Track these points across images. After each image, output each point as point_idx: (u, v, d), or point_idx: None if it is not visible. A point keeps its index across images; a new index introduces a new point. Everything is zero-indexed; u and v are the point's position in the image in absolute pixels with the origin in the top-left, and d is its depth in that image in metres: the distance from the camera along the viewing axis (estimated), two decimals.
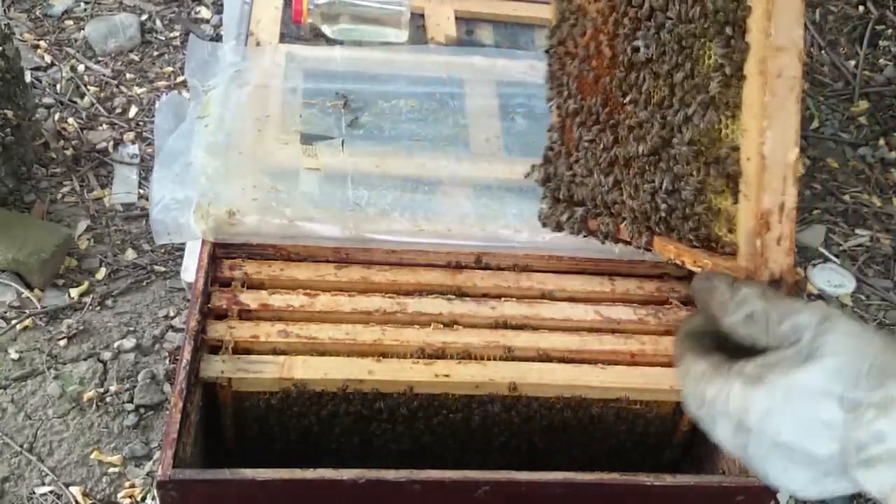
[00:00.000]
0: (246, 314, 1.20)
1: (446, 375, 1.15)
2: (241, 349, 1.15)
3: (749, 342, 0.65)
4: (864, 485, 0.61)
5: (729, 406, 0.64)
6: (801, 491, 0.66)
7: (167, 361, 1.97)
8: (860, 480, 0.61)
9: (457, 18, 1.78)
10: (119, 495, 1.75)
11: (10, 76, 2.18)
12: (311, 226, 1.29)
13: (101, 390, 1.89)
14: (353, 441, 1.20)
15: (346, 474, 0.99)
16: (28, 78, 2.46)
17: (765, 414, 0.62)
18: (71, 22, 2.82)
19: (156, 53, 2.75)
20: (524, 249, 1.32)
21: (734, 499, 1.08)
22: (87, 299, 2.06)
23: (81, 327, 1.99)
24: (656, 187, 0.81)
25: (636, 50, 0.82)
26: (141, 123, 2.51)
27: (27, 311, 2.01)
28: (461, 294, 1.27)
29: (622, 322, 1.24)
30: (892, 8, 3.17)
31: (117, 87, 2.62)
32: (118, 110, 2.55)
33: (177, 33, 2.81)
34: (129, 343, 1.98)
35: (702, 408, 0.67)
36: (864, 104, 2.92)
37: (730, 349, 0.67)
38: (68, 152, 2.39)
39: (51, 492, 1.74)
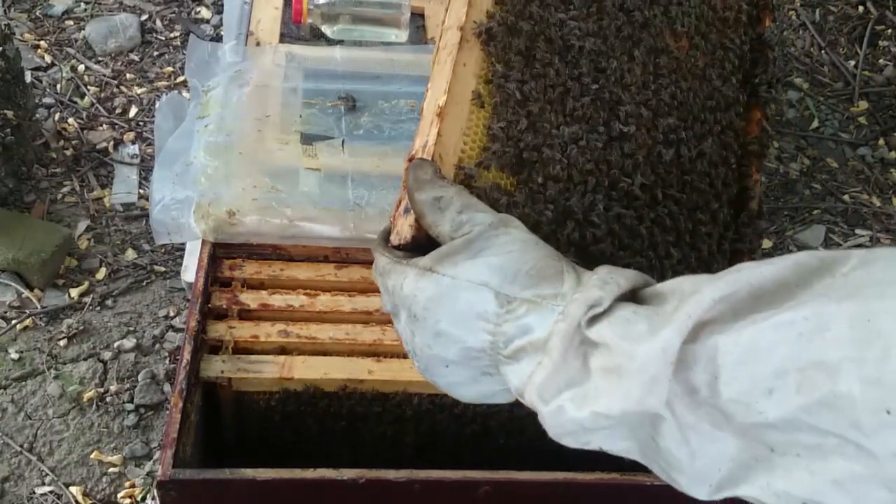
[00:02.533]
0: (246, 314, 1.20)
1: None
2: (241, 349, 1.15)
3: (434, 233, 0.68)
4: (510, 379, 0.64)
5: (403, 293, 0.67)
6: (461, 391, 0.69)
7: (167, 361, 1.97)
8: (507, 376, 0.64)
9: None
10: (119, 495, 1.75)
11: (11, 76, 2.18)
12: (311, 226, 1.29)
13: (101, 390, 1.89)
14: (353, 441, 1.20)
15: (346, 474, 0.99)
16: (28, 78, 2.46)
17: (429, 301, 0.65)
18: (71, 22, 2.81)
19: (156, 53, 2.75)
20: None
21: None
22: (87, 299, 2.06)
23: (81, 327, 1.99)
24: None
25: None
26: (141, 123, 2.51)
27: (27, 311, 2.01)
28: None
29: None
30: (891, 8, 3.17)
31: (117, 87, 2.62)
32: (118, 110, 2.55)
33: (177, 33, 2.81)
34: (129, 343, 1.98)
35: (387, 302, 0.71)
36: (863, 104, 2.91)
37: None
38: (68, 152, 2.39)
39: (51, 492, 1.74)
